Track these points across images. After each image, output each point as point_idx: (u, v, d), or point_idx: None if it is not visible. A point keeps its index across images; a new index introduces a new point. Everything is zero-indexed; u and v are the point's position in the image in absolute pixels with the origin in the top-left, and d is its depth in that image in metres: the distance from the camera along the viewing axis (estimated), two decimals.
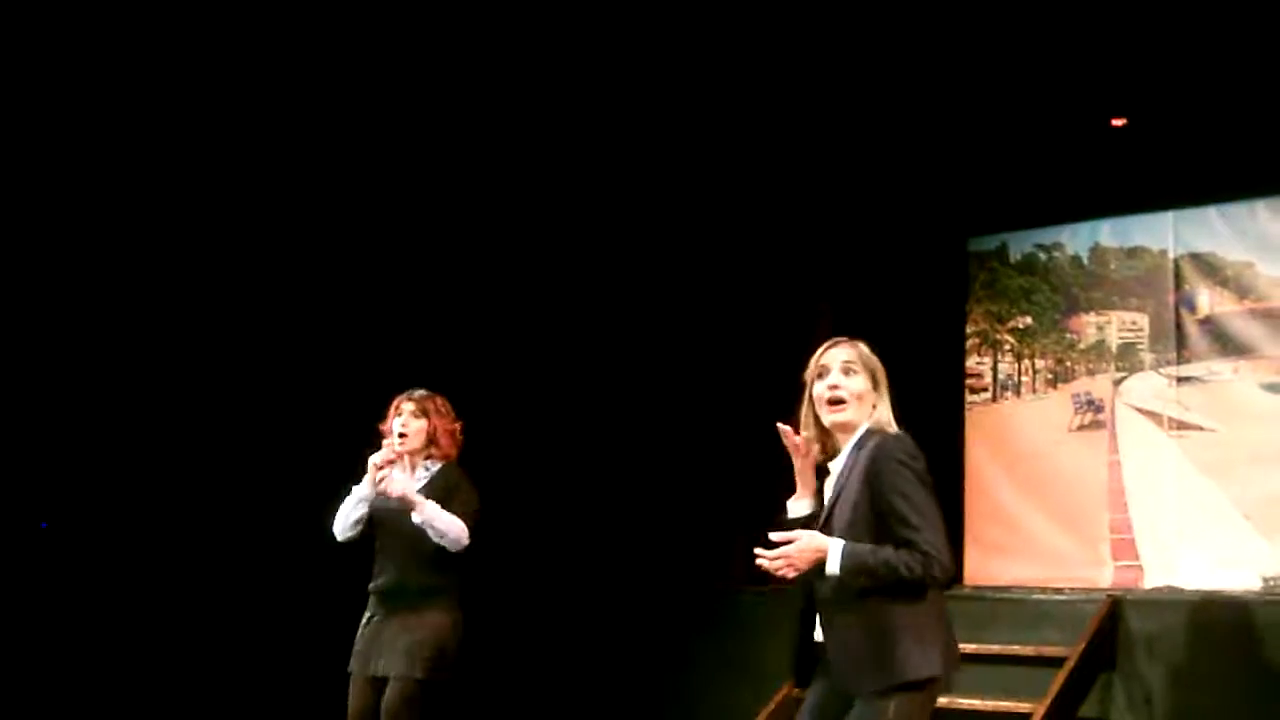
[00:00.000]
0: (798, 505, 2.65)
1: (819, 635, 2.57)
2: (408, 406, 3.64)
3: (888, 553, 2.46)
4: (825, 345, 2.67)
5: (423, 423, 3.63)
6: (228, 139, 4.89)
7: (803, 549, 2.47)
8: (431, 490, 3.59)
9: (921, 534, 2.46)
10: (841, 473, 2.60)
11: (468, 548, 3.56)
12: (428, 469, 3.68)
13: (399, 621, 3.54)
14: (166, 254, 5.07)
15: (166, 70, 4.53)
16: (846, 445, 2.63)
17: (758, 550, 2.50)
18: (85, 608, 4.96)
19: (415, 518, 3.50)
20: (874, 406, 2.61)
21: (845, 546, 2.47)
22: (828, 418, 2.61)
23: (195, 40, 4.40)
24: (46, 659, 4.82)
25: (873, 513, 2.50)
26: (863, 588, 2.46)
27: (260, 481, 5.13)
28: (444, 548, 3.55)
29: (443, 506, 3.55)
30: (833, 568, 2.46)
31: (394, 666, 3.49)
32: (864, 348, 2.66)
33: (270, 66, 4.60)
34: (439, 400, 3.68)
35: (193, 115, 4.75)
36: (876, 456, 2.54)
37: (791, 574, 2.49)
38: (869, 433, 2.60)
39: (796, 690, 2.67)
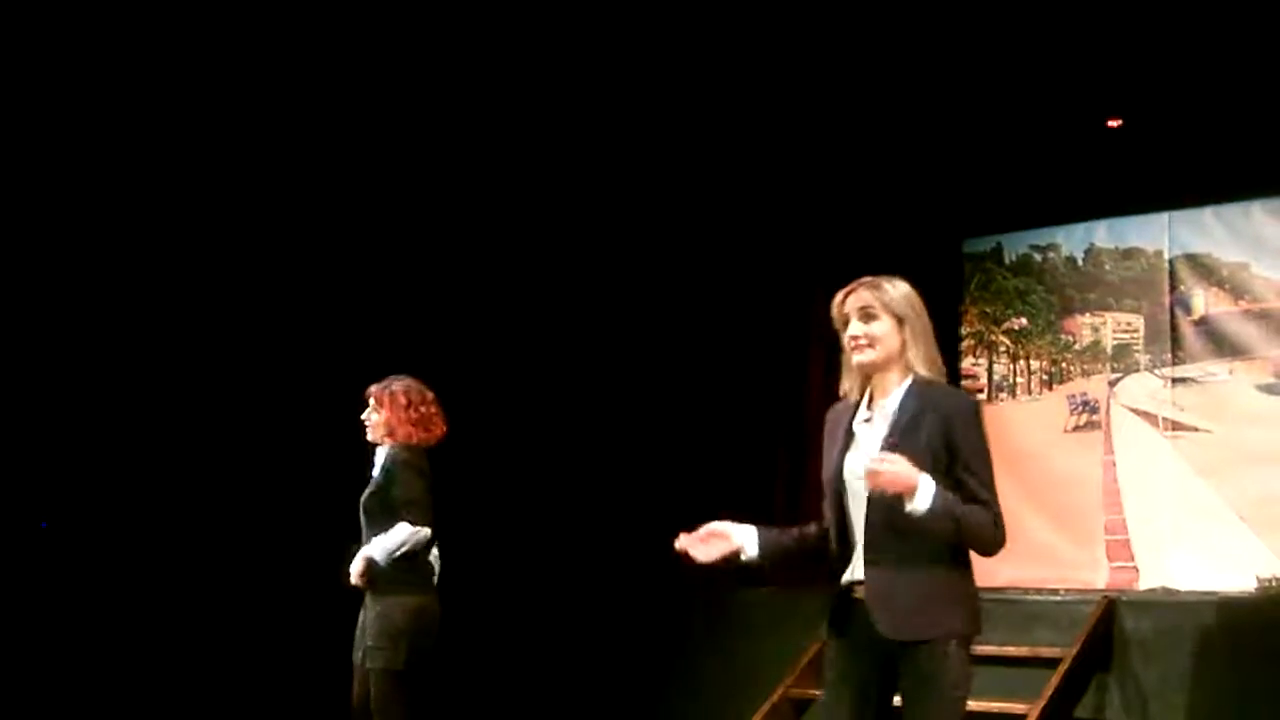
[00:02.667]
0: (751, 543, 2.54)
1: (850, 576, 2.46)
2: (370, 401, 3.71)
3: (968, 507, 2.38)
4: (845, 290, 2.56)
5: (379, 415, 3.67)
6: (223, 140, 4.85)
7: (901, 472, 2.34)
8: (380, 472, 3.64)
9: (995, 499, 2.41)
10: (898, 416, 2.47)
11: (436, 535, 3.60)
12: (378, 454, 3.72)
13: (366, 611, 3.59)
14: (165, 254, 5.02)
15: (166, 70, 4.48)
16: (894, 390, 2.50)
17: (871, 461, 2.36)
18: (85, 608, 4.90)
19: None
20: (908, 346, 2.48)
21: (937, 487, 2.35)
22: (855, 359, 2.52)
23: (195, 40, 4.36)
24: (47, 659, 4.77)
25: (947, 462, 2.39)
26: (930, 534, 2.36)
27: (258, 480, 5.08)
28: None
29: (382, 492, 3.59)
30: (922, 503, 2.34)
31: (368, 658, 3.53)
32: (888, 288, 2.52)
33: (267, 65, 4.55)
34: (398, 389, 3.68)
35: (191, 115, 4.71)
36: (953, 411, 2.43)
37: (881, 486, 2.37)
38: (923, 380, 2.48)
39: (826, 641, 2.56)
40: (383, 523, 3.58)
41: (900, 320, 2.50)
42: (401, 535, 3.55)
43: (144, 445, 5.03)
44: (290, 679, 4.85)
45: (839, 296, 2.55)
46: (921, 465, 2.37)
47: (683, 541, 2.51)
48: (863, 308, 2.51)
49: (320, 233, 5.21)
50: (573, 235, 5.52)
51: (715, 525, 2.53)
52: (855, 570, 2.46)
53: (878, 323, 2.49)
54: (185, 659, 4.96)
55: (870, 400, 2.54)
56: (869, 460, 2.37)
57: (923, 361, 2.49)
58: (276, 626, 5.00)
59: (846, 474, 2.50)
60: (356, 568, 3.56)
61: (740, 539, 2.53)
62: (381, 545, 3.54)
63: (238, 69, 4.57)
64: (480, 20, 4.47)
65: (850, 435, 2.53)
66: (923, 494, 2.35)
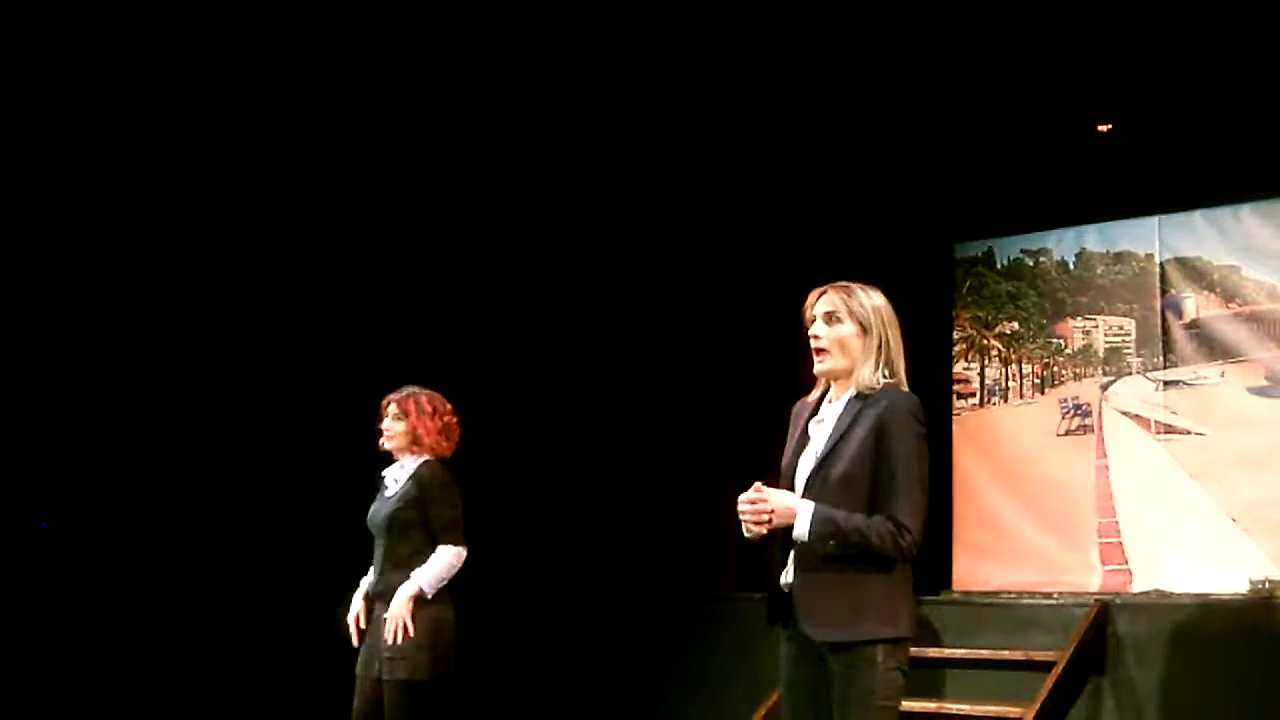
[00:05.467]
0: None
1: (786, 577, 2.39)
2: (390, 409, 3.51)
3: (859, 521, 2.30)
4: (818, 291, 2.48)
5: (403, 424, 3.49)
6: (227, 139, 4.73)
7: (774, 508, 2.32)
8: (409, 485, 3.45)
9: (905, 503, 2.31)
10: (841, 419, 2.40)
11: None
12: (403, 465, 3.52)
13: (380, 623, 3.38)
14: (166, 254, 4.91)
15: (166, 70, 4.36)
16: (844, 393, 2.44)
17: (741, 503, 2.34)
18: (85, 608, 4.78)
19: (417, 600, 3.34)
20: (867, 353, 2.41)
21: (815, 510, 2.31)
22: (815, 368, 2.46)
23: (195, 40, 4.24)
24: (47, 659, 4.65)
25: (874, 465, 2.33)
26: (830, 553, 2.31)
27: (259, 481, 4.97)
28: (419, 554, 3.39)
29: (417, 508, 3.41)
30: (800, 531, 2.31)
31: (386, 670, 3.34)
32: (860, 295, 2.45)
33: (270, 66, 4.43)
34: (423, 398, 3.52)
35: (193, 115, 4.58)
36: (890, 413, 2.34)
37: (755, 528, 2.34)
38: (880, 388, 2.40)
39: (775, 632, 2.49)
40: (410, 538, 3.40)
41: (864, 329, 2.41)
42: (447, 561, 3.36)
43: (144, 445, 4.91)
44: (288, 680, 4.73)
45: (811, 296, 2.48)
46: (856, 471, 2.33)
47: (749, 501, 2.35)
48: (829, 311, 2.43)
49: (318, 237, 5.09)
50: (567, 249, 5.39)
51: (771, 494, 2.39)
52: (790, 572, 2.39)
53: (840, 327, 2.42)
54: (184, 659, 4.83)
55: (829, 400, 2.49)
56: (739, 504, 2.33)
57: (876, 375, 2.40)
58: (274, 628, 4.87)
59: (797, 475, 2.44)
60: (404, 606, 3.28)
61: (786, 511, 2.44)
62: (430, 576, 3.33)
63: (247, 74, 4.45)
64: (475, 30, 4.34)
65: (806, 435, 2.47)
66: (800, 521, 2.30)
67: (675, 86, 4.72)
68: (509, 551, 5.18)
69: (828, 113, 4.89)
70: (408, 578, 3.35)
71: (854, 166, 5.18)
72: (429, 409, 3.50)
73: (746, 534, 2.42)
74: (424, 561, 3.38)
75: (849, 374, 2.43)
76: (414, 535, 3.40)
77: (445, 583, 3.36)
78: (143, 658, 4.77)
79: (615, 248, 5.42)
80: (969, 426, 5.41)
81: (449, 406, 3.56)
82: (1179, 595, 4.47)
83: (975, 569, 5.20)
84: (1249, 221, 4.84)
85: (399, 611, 3.29)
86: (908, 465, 2.32)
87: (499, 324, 5.37)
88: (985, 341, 5.47)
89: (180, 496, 4.94)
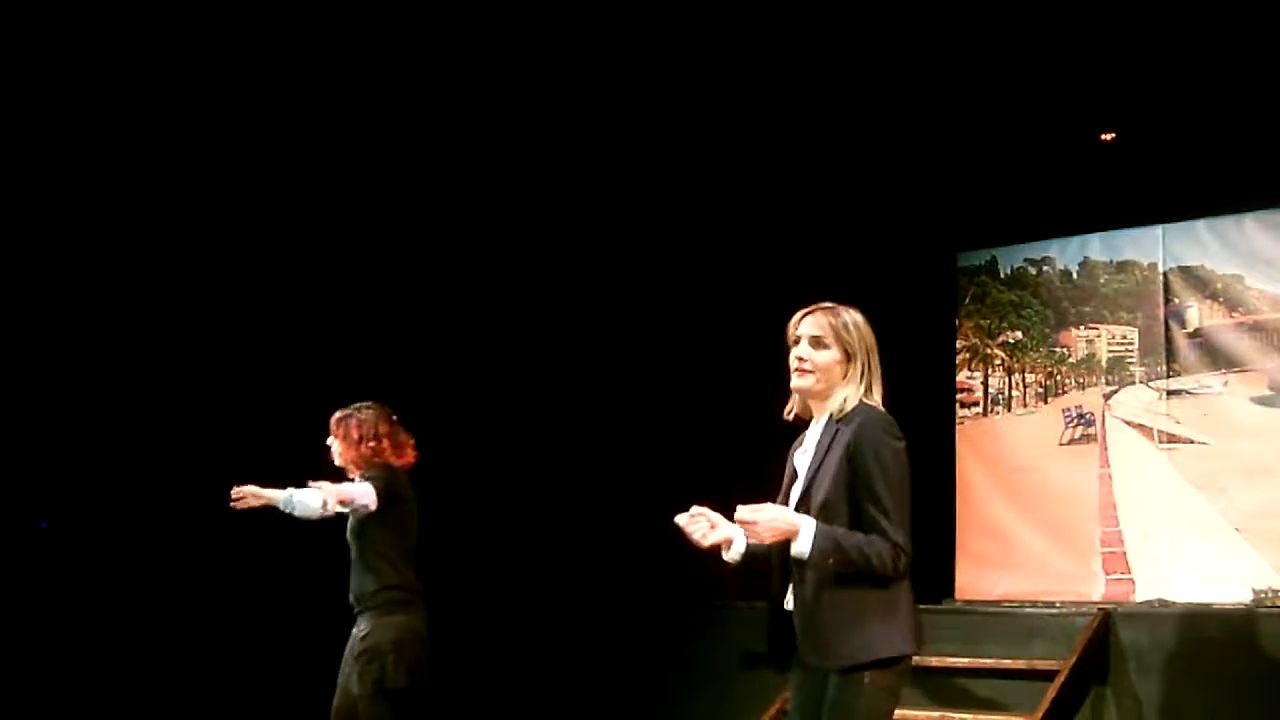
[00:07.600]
0: (740, 541, 2.45)
1: (788, 604, 2.38)
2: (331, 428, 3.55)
3: (859, 539, 2.29)
4: (802, 311, 2.47)
5: (336, 445, 3.52)
6: (225, 141, 4.71)
7: (772, 519, 2.29)
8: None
9: (892, 520, 2.29)
10: (820, 445, 2.41)
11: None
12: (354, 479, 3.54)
13: (354, 631, 3.42)
14: (165, 256, 4.90)
15: (166, 72, 4.35)
16: (822, 418, 2.44)
17: (739, 512, 2.31)
18: (85, 608, 4.77)
19: (316, 507, 3.31)
20: (848, 379, 2.41)
21: (818, 527, 2.29)
22: (793, 382, 2.46)
23: (195, 43, 4.22)
24: (47, 659, 4.63)
25: (850, 486, 2.32)
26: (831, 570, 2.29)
27: (260, 482, 4.93)
28: (378, 558, 3.38)
29: (365, 515, 3.39)
30: (802, 547, 2.29)
31: (356, 677, 3.34)
32: (846, 317, 2.44)
33: (265, 76, 4.42)
34: (353, 424, 3.50)
35: (188, 121, 4.58)
36: (861, 432, 2.34)
37: (753, 540, 2.34)
38: (855, 409, 2.39)
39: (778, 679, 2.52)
40: (369, 548, 3.40)
41: (848, 354, 2.41)
42: (357, 490, 3.34)
43: (144, 445, 4.90)
44: (286, 680, 4.69)
45: (796, 317, 2.47)
46: (834, 496, 2.32)
47: (686, 521, 2.40)
48: (815, 335, 2.43)
49: (315, 239, 5.08)
50: (567, 252, 5.37)
51: (709, 512, 2.43)
52: (790, 596, 2.39)
53: (825, 351, 2.42)
54: (183, 659, 4.82)
55: (811, 426, 2.49)
56: (738, 512, 2.30)
57: (858, 399, 2.40)
58: (273, 627, 4.86)
59: (791, 504, 2.43)
60: (265, 491, 3.31)
61: (730, 533, 2.44)
62: (336, 491, 3.31)
63: (239, 84, 4.44)
64: (470, 31, 4.33)
65: (794, 468, 2.48)
66: (802, 538, 2.29)
67: (676, 97, 4.71)
68: (513, 559, 5.17)
69: (831, 122, 4.88)
70: (371, 587, 3.35)
71: (857, 175, 5.17)
72: (355, 435, 3.47)
73: (726, 558, 2.43)
74: (387, 569, 3.37)
75: (827, 398, 2.43)
76: (365, 545, 3.41)
77: (351, 504, 3.30)
78: (142, 657, 4.76)
79: (619, 256, 5.40)
80: (972, 435, 5.38)
81: (383, 429, 3.49)
82: (1181, 604, 4.45)
83: (978, 578, 5.16)
84: (1253, 231, 4.82)
85: (264, 494, 3.31)
86: (887, 482, 2.31)
87: (504, 334, 5.34)
88: (988, 350, 5.44)
89: (180, 497, 4.91)
